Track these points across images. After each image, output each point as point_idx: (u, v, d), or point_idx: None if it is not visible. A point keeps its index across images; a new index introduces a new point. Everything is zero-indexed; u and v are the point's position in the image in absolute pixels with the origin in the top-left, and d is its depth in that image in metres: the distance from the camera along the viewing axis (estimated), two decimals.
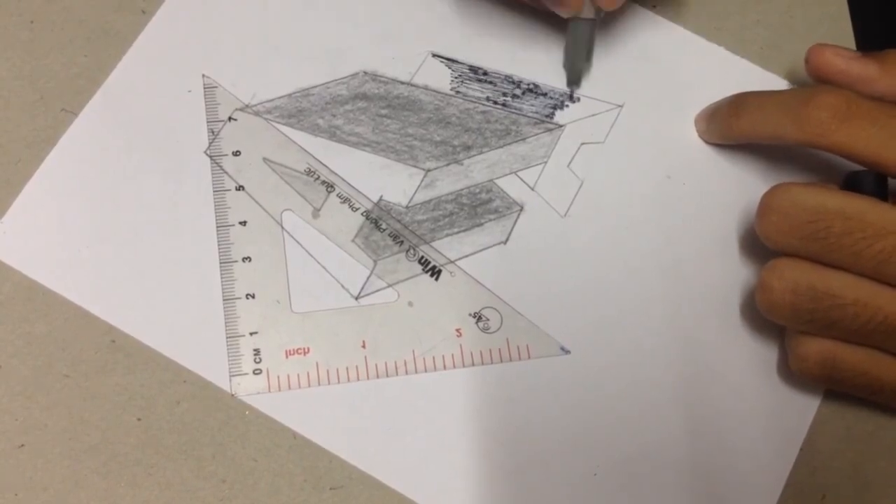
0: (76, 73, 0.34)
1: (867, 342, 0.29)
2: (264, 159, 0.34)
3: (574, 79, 0.36)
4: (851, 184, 0.30)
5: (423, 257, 0.33)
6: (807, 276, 0.29)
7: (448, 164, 0.35)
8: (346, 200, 0.34)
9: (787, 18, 0.38)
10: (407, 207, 0.34)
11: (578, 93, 0.36)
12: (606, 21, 0.37)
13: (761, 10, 0.38)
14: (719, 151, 0.36)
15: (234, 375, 0.31)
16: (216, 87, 0.35)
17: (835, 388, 0.31)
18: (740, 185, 0.35)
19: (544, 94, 0.36)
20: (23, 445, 0.30)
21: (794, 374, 0.31)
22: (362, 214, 0.34)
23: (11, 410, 0.31)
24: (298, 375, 0.32)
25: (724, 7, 0.38)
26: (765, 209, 0.30)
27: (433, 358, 0.32)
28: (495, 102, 0.36)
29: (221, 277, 0.32)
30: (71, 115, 0.34)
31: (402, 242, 0.34)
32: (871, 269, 0.28)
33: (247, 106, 0.35)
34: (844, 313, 0.28)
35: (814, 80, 0.34)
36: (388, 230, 0.34)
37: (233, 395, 0.31)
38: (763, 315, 0.31)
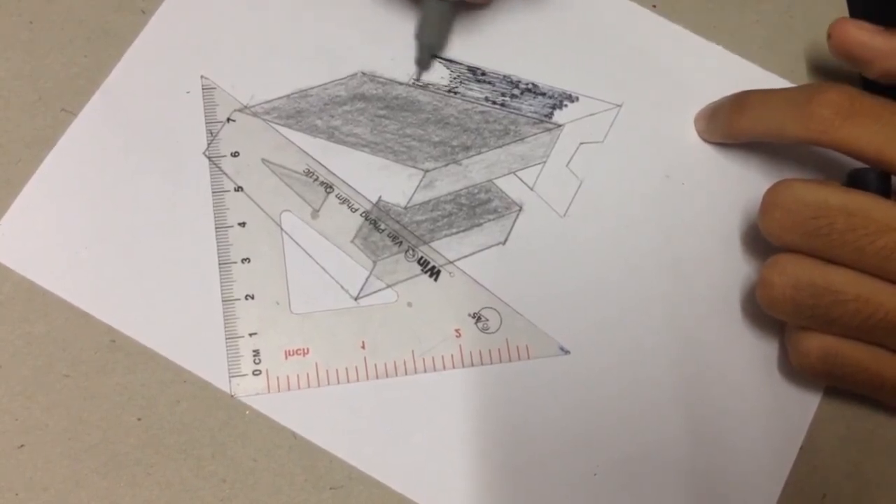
0: (76, 73, 0.34)
1: (868, 338, 0.29)
2: (263, 160, 0.34)
3: (421, 57, 0.35)
4: (854, 181, 0.30)
5: (422, 258, 0.33)
6: (808, 271, 0.29)
7: (447, 165, 0.35)
8: (344, 201, 0.34)
9: (786, 18, 0.38)
10: (406, 208, 0.34)
11: (579, 93, 0.36)
12: (601, 20, 0.37)
13: (760, 9, 0.38)
14: (718, 150, 0.36)
15: (233, 376, 0.31)
16: (214, 88, 0.35)
17: (835, 384, 0.31)
18: (739, 185, 0.35)
19: (543, 94, 0.36)
20: (23, 445, 0.30)
21: (794, 370, 0.31)
22: (361, 215, 0.34)
23: (11, 410, 0.31)
24: (298, 376, 0.32)
25: (723, 6, 0.38)
26: (768, 205, 0.30)
27: (432, 358, 0.32)
28: (494, 102, 0.36)
29: (220, 278, 0.32)
30: (70, 115, 0.34)
31: (401, 243, 0.34)
32: (873, 266, 0.28)
33: (245, 107, 0.35)
34: (845, 309, 0.28)
35: (837, 56, 0.34)
36: (387, 231, 0.34)
37: (232, 395, 0.31)
38: (764, 310, 0.31)
